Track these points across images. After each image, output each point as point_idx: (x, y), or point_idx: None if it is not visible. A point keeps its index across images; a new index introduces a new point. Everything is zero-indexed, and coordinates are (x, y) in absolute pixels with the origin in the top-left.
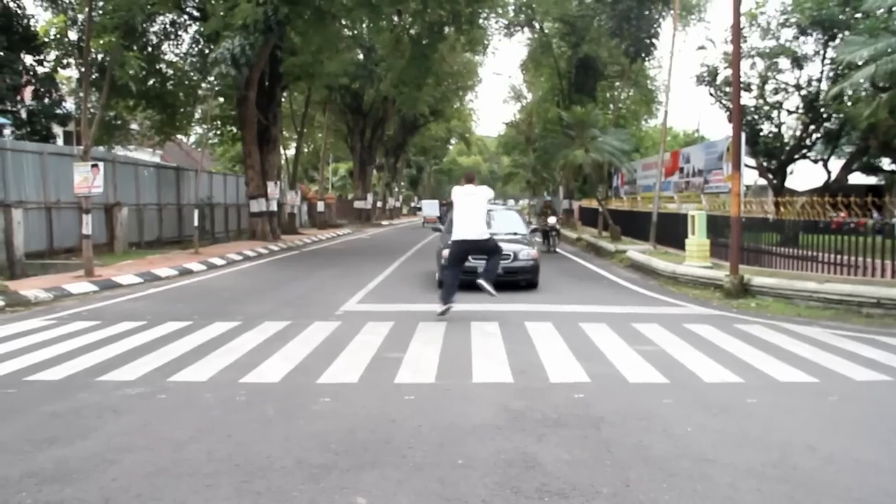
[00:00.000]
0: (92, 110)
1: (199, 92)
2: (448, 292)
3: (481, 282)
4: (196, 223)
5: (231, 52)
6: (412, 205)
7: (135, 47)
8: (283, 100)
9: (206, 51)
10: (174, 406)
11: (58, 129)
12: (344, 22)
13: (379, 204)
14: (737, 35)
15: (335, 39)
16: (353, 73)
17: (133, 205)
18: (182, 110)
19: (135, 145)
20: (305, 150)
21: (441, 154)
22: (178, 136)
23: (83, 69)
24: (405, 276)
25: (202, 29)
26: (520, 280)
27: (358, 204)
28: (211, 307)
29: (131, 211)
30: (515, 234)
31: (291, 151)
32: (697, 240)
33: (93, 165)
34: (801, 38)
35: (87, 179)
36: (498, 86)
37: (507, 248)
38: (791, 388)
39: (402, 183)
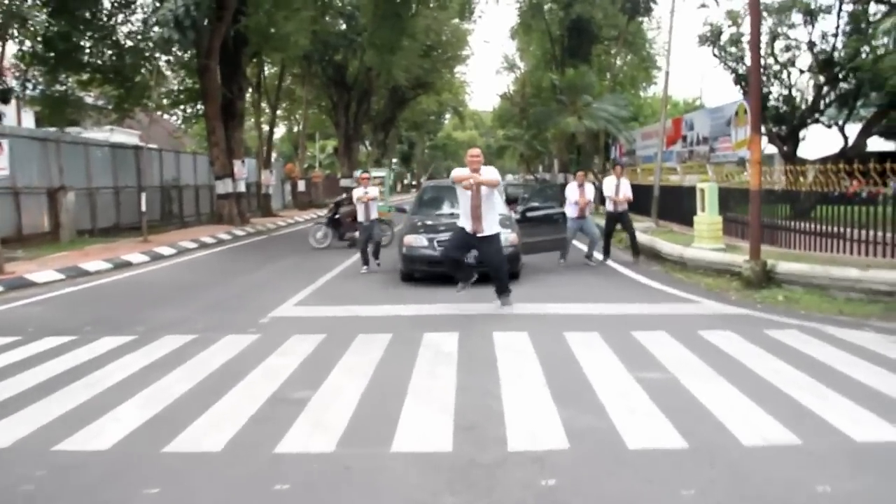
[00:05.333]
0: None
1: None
2: (460, 270)
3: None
4: (143, 208)
5: (174, 14)
6: (405, 181)
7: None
8: (247, 71)
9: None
10: None
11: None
12: None
13: (377, 180)
14: None
15: None
16: (334, 43)
17: (83, 189)
18: (139, 84)
19: (95, 124)
20: (295, 128)
21: (435, 129)
22: (163, 115)
23: None
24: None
25: None
26: None
27: (345, 182)
28: (117, 313)
29: (81, 195)
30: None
31: (279, 129)
32: (708, 217)
33: None
34: None
35: None
36: (491, 57)
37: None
38: (876, 455)
39: (394, 159)
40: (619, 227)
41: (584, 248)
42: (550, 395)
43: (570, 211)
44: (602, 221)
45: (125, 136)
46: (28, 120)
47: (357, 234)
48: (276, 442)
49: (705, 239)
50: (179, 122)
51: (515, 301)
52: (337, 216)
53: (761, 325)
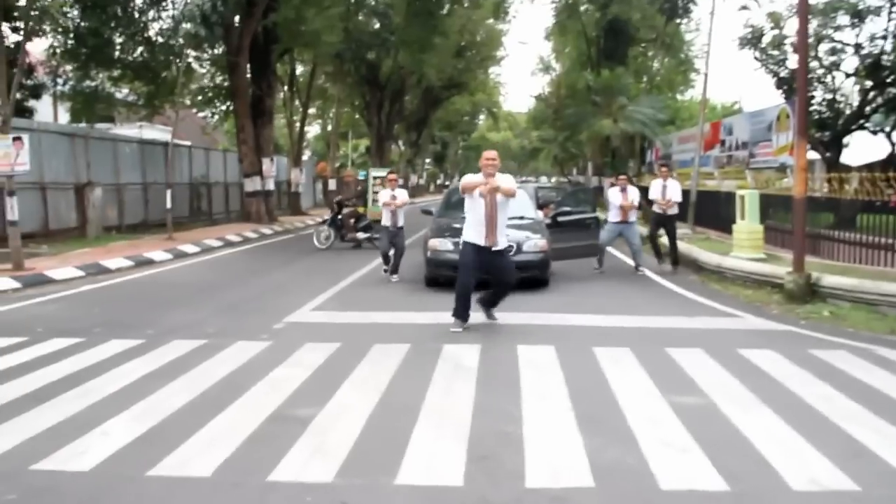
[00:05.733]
0: (64, 79)
1: (183, 59)
2: (462, 306)
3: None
4: (169, 205)
5: (200, 9)
6: (438, 182)
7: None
8: (277, 68)
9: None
10: None
11: (36, 103)
12: None
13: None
14: None
15: None
16: (367, 42)
17: (111, 184)
18: (169, 80)
19: (125, 120)
20: (329, 126)
21: (469, 130)
22: (197, 112)
23: None
24: None
25: None
26: (524, 277)
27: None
28: (130, 314)
29: (108, 191)
30: (522, 217)
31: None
32: (748, 225)
33: (15, 139)
34: None
35: (9, 156)
36: (526, 59)
37: (509, 236)
38: None
39: (427, 159)
40: (660, 238)
41: (618, 253)
42: (576, 420)
43: (613, 215)
44: (640, 228)
45: (159, 132)
46: (65, 116)
47: (362, 235)
48: (272, 468)
49: (745, 248)
50: (212, 118)
51: (539, 311)
52: (339, 216)
53: (806, 343)
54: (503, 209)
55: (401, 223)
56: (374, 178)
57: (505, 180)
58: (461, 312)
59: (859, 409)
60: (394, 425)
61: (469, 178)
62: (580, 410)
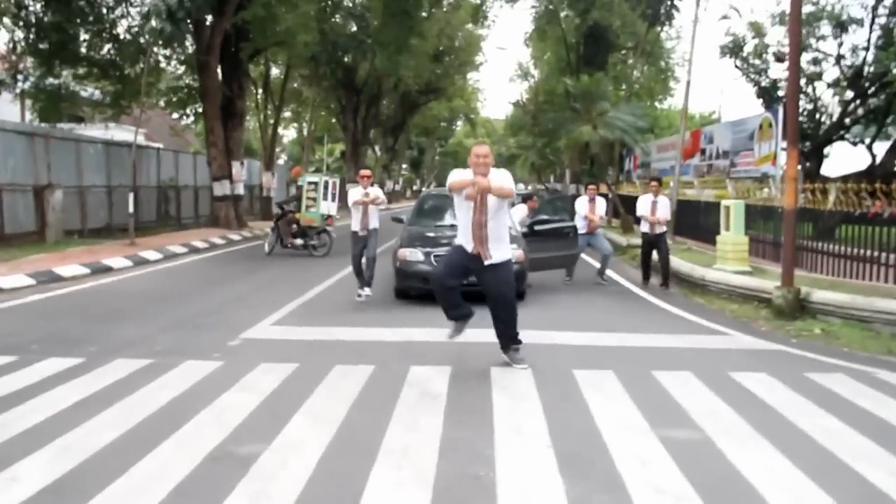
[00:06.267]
0: (24, 76)
1: (150, 57)
2: (453, 307)
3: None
4: (131, 209)
5: (167, 4)
6: (414, 188)
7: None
8: (249, 69)
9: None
10: None
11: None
12: None
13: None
14: None
15: None
16: (343, 45)
17: (73, 187)
18: (137, 79)
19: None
20: (305, 130)
21: (446, 136)
22: (171, 113)
23: None
24: None
25: None
26: None
27: (350, 187)
28: (75, 329)
29: (70, 194)
30: None
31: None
32: (733, 237)
33: None
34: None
35: None
36: (505, 65)
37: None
38: None
39: (404, 165)
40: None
41: (594, 262)
42: (556, 460)
43: (580, 226)
44: (615, 236)
45: (130, 133)
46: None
47: (299, 241)
48: None
49: (729, 260)
50: (184, 119)
51: (519, 327)
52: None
53: (801, 365)
54: (498, 214)
55: (374, 224)
56: (309, 183)
57: (500, 177)
58: (450, 312)
59: (868, 444)
60: (349, 467)
61: (457, 175)
62: (560, 448)
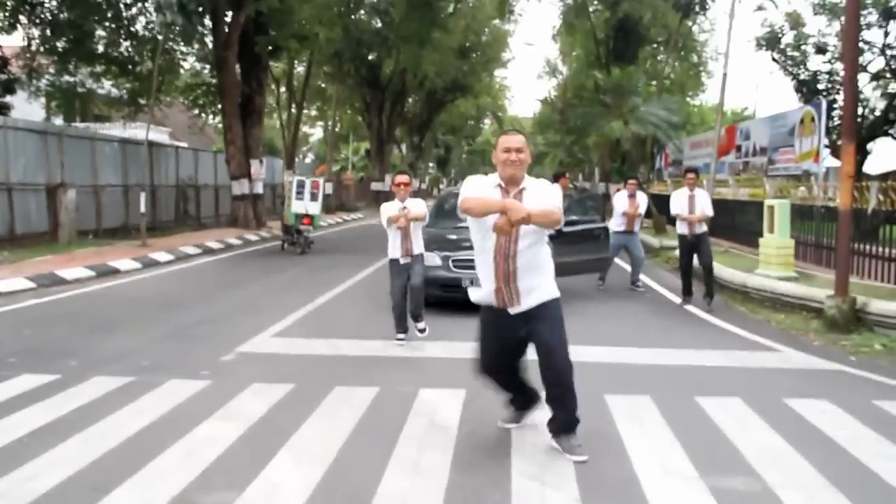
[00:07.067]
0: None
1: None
2: (507, 389)
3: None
4: (143, 209)
5: None
6: (440, 187)
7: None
8: (269, 65)
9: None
10: None
11: (11, 99)
12: None
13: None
14: None
15: None
16: (367, 42)
17: (88, 186)
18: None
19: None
20: (331, 128)
21: (473, 134)
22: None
23: None
24: (376, 285)
25: None
26: None
27: (375, 185)
28: (62, 339)
29: (84, 193)
30: None
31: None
32: (777, 240)
33: None
34: None
35: None
36: (533, 62)
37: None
38: None
39: (430, 164)
40: (674, 250)
41: (627, 266)
42: None
43: (616, 224)
44: (646, 237)
45: (155, 133)
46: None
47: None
48: None
49: (773, 265)
50: (205, 117)
51: None
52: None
53: (866, 390)
54: (535, 249)
55: (418, 248)
56: (289, 182)
57: (541, 194)
58: (517, 402)
59: None
60: None
61: (476, 188)
62: (590, 502)
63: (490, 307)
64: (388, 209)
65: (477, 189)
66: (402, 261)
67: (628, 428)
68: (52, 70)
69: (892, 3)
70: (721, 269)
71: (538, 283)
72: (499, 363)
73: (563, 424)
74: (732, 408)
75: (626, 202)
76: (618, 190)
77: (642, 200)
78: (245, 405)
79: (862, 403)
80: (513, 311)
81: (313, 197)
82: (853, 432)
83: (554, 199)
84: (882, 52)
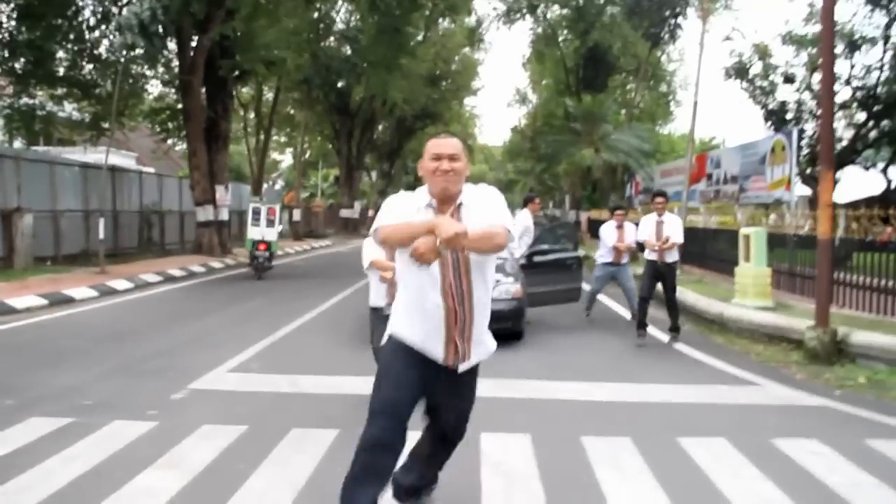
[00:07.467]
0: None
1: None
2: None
3: None
4: (101, 235)
5: (139, 18)
6: None
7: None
8: (234, 90)
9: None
10: None
11: None
12: None
13: (371, 213)
14: None
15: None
16: (336, 68)
17: (46, 211)
18: (124, 101)
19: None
20: (300, 154)
21: None
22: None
23: None
24: (343, 314)
25: None
26: (495, 329)
27: (344, 213)
28: (4, 372)
29: (42, 218)
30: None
31: (286, 156)
32: (754, 269)
33: None
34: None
35: None
36: (503, 90)
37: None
38: None
39: (400, 190)
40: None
41: (607, 299)
42: None
43: (602, 254)
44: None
45: (120, 157)
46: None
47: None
48: None
49: (750, 295)
50: (171, 142)
51: (511, 378)
52: None
53: (856, 428)
54: (485, 273)
55: None
56: (253, 207)
57: (485, 210)
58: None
59: None
60: None
61: (395, 210)
62: None
63: (410, 352)
64: (373, 251)
65: (397, 212)
66: (386, 310)
67: (607, 475)
68: (10, 92)
69: (856, 36)
70: (697, 299)
71: (483, 337)
72: (391, 419)
73: (432, 480)
74: (718, 449)
75: (614, 234)
76: (579, 221)
77: (630, 231)
78: (191, 451)
79: (854, 443)
80: (462, 367)
81: (270, 223)
82: (849, 477)
83: (498, 215)
84: (847, 82)
